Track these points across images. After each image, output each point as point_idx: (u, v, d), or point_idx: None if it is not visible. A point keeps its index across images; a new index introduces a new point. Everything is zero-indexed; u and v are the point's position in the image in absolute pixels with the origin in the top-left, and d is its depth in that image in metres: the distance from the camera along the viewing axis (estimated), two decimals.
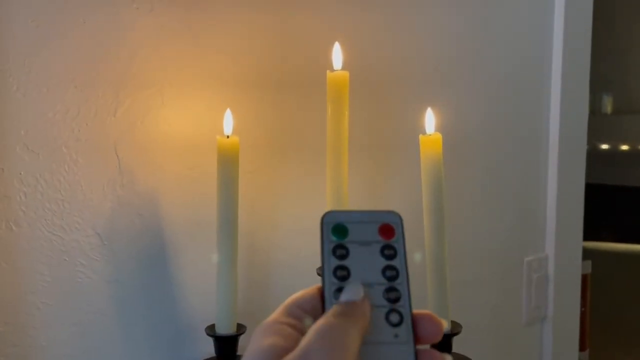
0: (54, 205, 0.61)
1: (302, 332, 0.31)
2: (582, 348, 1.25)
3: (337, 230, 0.35)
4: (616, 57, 2.87)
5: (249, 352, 0.31)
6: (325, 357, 0.29)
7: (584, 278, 1.24)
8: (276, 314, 0.33)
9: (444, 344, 0.64)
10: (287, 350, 0.30)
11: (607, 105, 2.98)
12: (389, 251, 0.35)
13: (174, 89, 0.67)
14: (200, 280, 0.69)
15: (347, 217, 0.35)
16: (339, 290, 0.33)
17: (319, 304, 0.33)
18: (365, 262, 0.34)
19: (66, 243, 0.62)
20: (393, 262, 0.34)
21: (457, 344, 0.65)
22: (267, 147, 0.74)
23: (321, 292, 0.34)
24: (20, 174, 0.59)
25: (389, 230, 0.35)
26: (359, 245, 0.35)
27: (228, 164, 0.62)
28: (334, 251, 0.34)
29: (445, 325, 0.34)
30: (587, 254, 1.24)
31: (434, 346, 0.65)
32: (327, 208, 0.65)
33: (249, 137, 0.70)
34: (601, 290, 1.50)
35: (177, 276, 0.69)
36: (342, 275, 0.34)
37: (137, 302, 0.66)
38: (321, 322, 0.31)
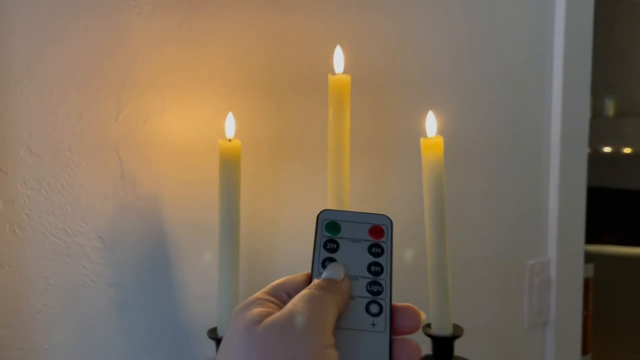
0: (57, 209, 0.61)
1: (273, 305, 0.35)
2: (584, 352, 1.24)
3: (330, 227, 0.38)
4: (619, 61, 2.87)
5: (231, 322, 0.33)
6: (306, 321, 0.32)
7: (586, 282, 1.24)
8: (258, 293, 0.36)
9: (446, 347, 0.64)
10: (258, 314, 0.33)
11: (610, 109, 2.98)
12: (377, 249, 0.38)
13: (175, 93, 0.67)
14: (202, 284, 0.69)
15: (342, 216, 0.38)
16: None
17: (302, 288, 0.36)
18: (353, 257, 0.37)
19: (69, 246, 0.62)
20: (379, 260, 0.37)
21: (459, 348, 0.65)
22: (269, 150, 0.75)
23: (309, 280, 0.36)
24: (24, 177, 0.59)
25: (378, 231, 0.38)
26: (349, 241, 0.38)
27: (230, 167, 0.62)
28: (325, 244, 0.37)
29: (424, 317, 0.37)
30: (589, 257, 1.24)
31: (435, 346, 0.65)
32: None
33: (250, 140, 0.71)
34: (603, 293, 1.50)
35: (179, 279, 0.69)
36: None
37: (139, 305, 0.66)
38: (305, 291, 0.34)
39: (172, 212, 0.68)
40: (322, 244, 0.37)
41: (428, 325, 0.65)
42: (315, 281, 0.35)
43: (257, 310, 0.33)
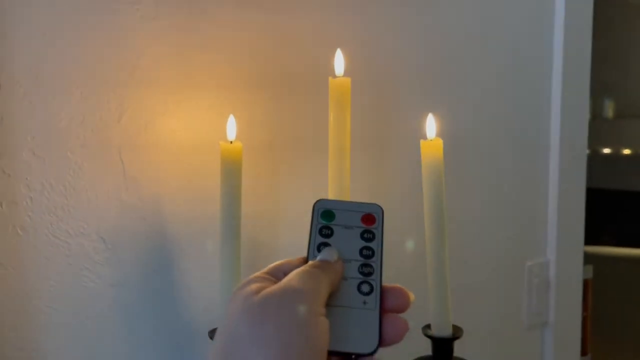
0: (60, 210, 0.61)
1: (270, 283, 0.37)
2: (583, 353, 1.25)
3: (325, 215, 0.41)
4: (618, 62, 2.88)
5: (231, 303, 0.36)
6: (301, 295, 0.35)
7: (586, 283, 1.24)
8: (257, 273, 0.38)
9: (446, 348, 0.64)
10: (254, 288, 0.36)
11: (609, 110, 2.98)
12: (368, 235, 0.40)
13: (177, 95, 0.68)
14: (204, 285, 0.70)
15: (336, 205, 0.42)
16: None
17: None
18: (346, 242, 0.40)
19: (71, 247, 0.62)
20: (370, 244, 0.40)
21: (457, 349, 0.66)
22: (270, 152, 0.75)
23: (305, 262, 0.39)
24: (27, 179, 0.59)
25: (370, 219, 0.41)
26: (343, 227, 0.40)
27: (231, 169, 0.62)
28: (320, 231, 0.40)
29: (413, 298, 0.40)
30: (588, 258, 1.24)
31: (435, 347, 0.65)
32: None
33: (252, 142, 0.71)
34: (603, 295, 1.50)
35: (181, 280, 0.69)
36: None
37: (141, 306, 0.67)
38: (301, 269, 0.37)
39: (174, 213, 0.68)
40: (317, 230, 0.40)
41: (427, 326, 0.65)
42: (311, 262, 0.38)
43: (255, 285, 0.36)
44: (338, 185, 0.65)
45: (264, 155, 0.74)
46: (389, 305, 0.38)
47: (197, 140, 0.69)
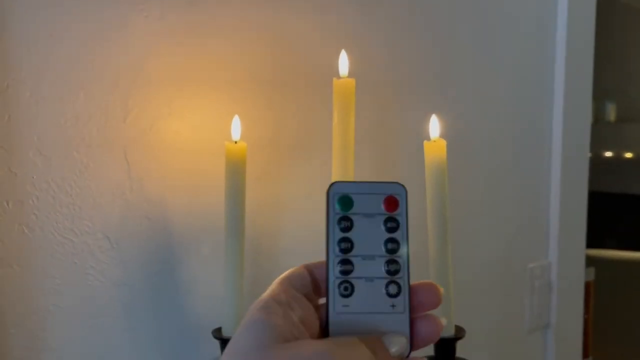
0: (65, 209, 0.62)
1: (295, 313, 0.33)
2: (584, 355, 1.25)
3: (342, 202, 0.36)
4: (620, 65, 2.88)
5: (246, 323, 0.32)
6: None
7: (587, 285, 1.25)
8: (271, 291, 0.34)
9: (448, 349, 0.64)
10: (283, 331, 0.31)
11: (611, 113, 2.98)
12: (392, 224, 0.36)
13: (182, 96, 0.68)
14: (208, 284, 0.70)
15: (353, 188, 0.36)
16: (342, 262, 0.35)
17: (307, 282, 0.35)
18: (368, 234, 0.35)
19: (76, 246, 0.63)
20: (394, 235, 0.36)
21: (459, 350, 0.66)
22: (275, 152, 0.75)
23: (309, 273, 0.35)
24: (33, 178, 0.60)
25: (393, 202, 0.36)
26: (363, 217, 0.36)
27: (236, 169, 0.63)
28: (338, 222, 0.35)
29: (442, 291, 0.36)
30: (590, 261, 1.24)
31: (437, 348, 0.66)
32: None
33: (256, 142, 0.71)
34: (604, 297, 1.50)
35: (185, 280, 0.69)
36: (346, 247, 0.35)
37: (145, 305, 0.67)
38: (349, 339, 0.32)
39: (179, 213, 0.69)
40: (335, 222, 0.35)
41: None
42: (369, 338, 0.33)
43: (279, 322, 0.32)
44: None
45: (269, 155, 0.75)
46: (417, 303, 0.34)
47: (202, 141, 0.70)
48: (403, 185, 0.37)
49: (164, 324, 0.68)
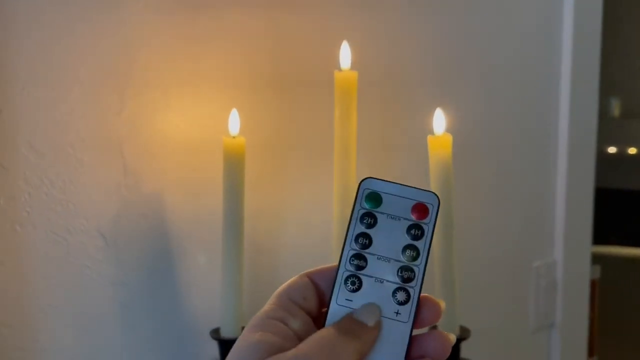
0: (59, 206, 0.60)
1: (291, 327, 0.32)
2: (590, 354, 1.24)
3: (371, 198, 0.35)
4: (624, 61, 2.86)
5: (237, 346, 0.31)
6: None
7: (593, 283, 1.23)
8: (268, 306, 0.33)
9: (453, 349, 0.63)
10: (276, 346, 0.30)
11: (615, 109, 2.97)
12: (417, 231, 0.34)
13: (179, 90, 0.67)
14: (205, 283, 0.69)
15: (385, 187, 0.35)
16: (356, 257, 0.34)
17: (308, 293, 0.34)
18: (390, 236, 0.34)
19: (71, 244, 0.61)
20: (417, 243, 0.34)
21: (464, 349, 0.65)
22: (273, 147, 0.74)
23: (311, 282, 0.34)
24: (25, 173, 0.58)
25: (422, 210, 0.35)
26: (389, 217, 0.34)
27: (234, 164, 0.61)
28: (362, 218, 0.34)
29: (444, 306, 0.35)
30: (595, 259, 1.23)
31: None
32: (334, 209, 0.65)
33: (254, 138, 0.70)
34: (610, 295, 1.49)
35: (182, 278, 0.68)
36: (364, 242, 0.34)
37: (142, 304, 0.66)
38: (324, 333, 0.31)
39: (176, 210, 0.67)
40: (359, 215, 0.34)
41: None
42: (343, 322, 0.32)
43: (262, 337, 0.31)
44: (343, 179, 0.64)
45: (268, 151, 0.73)
46: (420, 317, 0.33)
47: (200, 135, 0.68)
48: (437, 196, 0.35)
49: (162, 323, 0.67)
